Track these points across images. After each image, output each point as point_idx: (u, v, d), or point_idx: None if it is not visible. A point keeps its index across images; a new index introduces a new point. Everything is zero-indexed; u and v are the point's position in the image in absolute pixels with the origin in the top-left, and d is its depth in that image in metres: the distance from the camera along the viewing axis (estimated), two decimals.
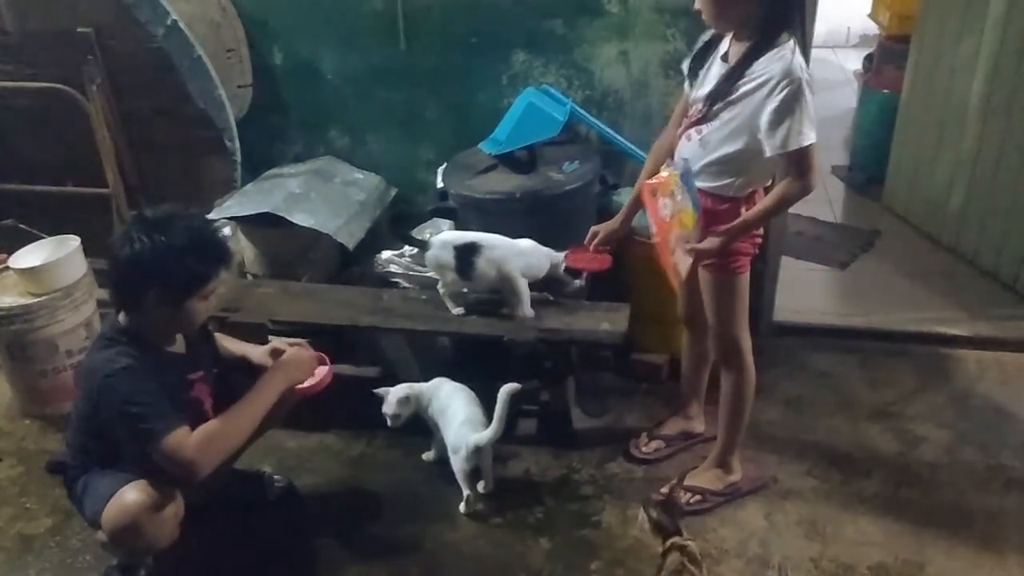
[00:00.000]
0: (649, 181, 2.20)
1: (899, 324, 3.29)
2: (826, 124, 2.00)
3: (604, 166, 2.96)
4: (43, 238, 3.03)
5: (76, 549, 2.40)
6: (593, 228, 2.46)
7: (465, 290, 2.67)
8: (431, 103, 3.20)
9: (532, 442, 2.73)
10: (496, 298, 2.67)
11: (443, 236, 2.66)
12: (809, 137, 1.94)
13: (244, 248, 3.16)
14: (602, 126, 2.96)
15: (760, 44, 1.97)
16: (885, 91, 4.26)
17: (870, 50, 5.24)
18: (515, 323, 2.62)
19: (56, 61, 2.96)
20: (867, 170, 4.40)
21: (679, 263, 2.14)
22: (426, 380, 2.63)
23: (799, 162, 1.97)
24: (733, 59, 2.04)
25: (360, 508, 2.53)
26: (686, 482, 2.48)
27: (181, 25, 2.85)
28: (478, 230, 2.68)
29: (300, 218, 2.90)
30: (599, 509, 2.48)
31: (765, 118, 1.96)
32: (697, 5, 2.02)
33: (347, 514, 2.51)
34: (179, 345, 2.14)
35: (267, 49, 3.23)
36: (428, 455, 2.64)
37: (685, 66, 2.25)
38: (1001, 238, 3.48)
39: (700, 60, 2.18)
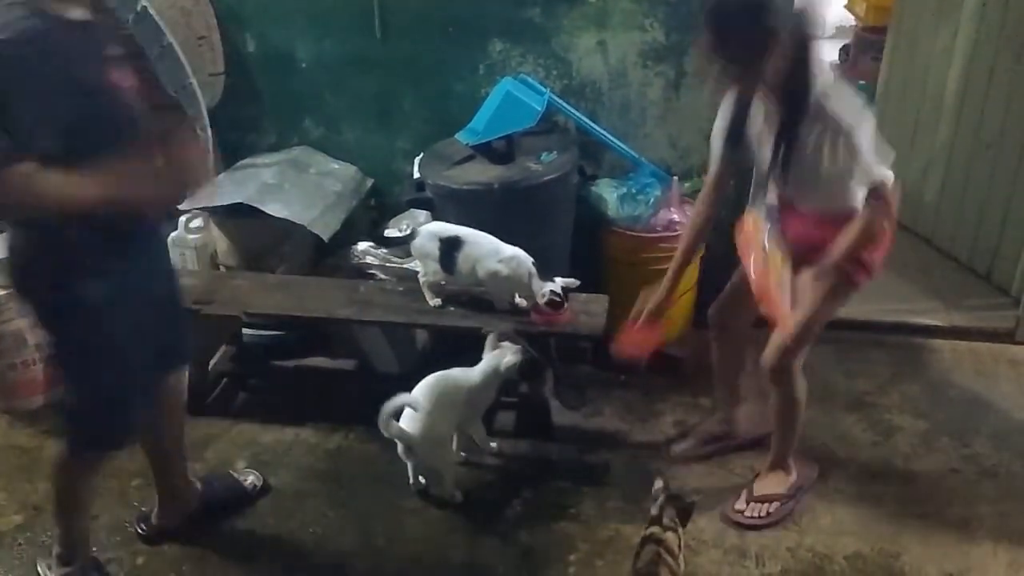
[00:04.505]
0: (743, 231, 2.25)
1: (875, 315, 3.30)
2: None
3: (582, 156, 2.95)
4: None
5: (46, 545, 2.36)
6: (637, 308, 2.33)
7: (444, 283, 2.65)
8: (408, 92, 3.17)
9: (510, 434, 2.73)
10: (477, 292, 2.66)
11: (432, 226, 2.64)
12: (878, 172, 1.92)
13: (217, 239, 3.12)
14: (580, 116, 2.95)
15: (795, 109, 1.93)
16: (861, 82, 4.27)
17: (846, 41, 5.25)
18: (493, 315, 2.60)
19: None
20: None
21: (782, 306, 2.14)
22: (403, 371, 2.60)
23: (875, 195, 1.94)
24: (773, 123, 2.01)
25: (337, 502, 2.51)
26: (755, 494, 2.41)
27: (151, 11, 2.79)
28: (455, 221, 2.66)
29: (274, 209, 2.86)
30: (577, 501, 2.47)
31: (833, 172, 1.92)
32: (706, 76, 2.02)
33: (323, 508, 2.48)
34: (81, 10, 1.77)
35: (239, 37, 3.17)
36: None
37: (718, 137, 2.17)
38: (975, 229, 3.51)
39: (739, 125, 2.11)
